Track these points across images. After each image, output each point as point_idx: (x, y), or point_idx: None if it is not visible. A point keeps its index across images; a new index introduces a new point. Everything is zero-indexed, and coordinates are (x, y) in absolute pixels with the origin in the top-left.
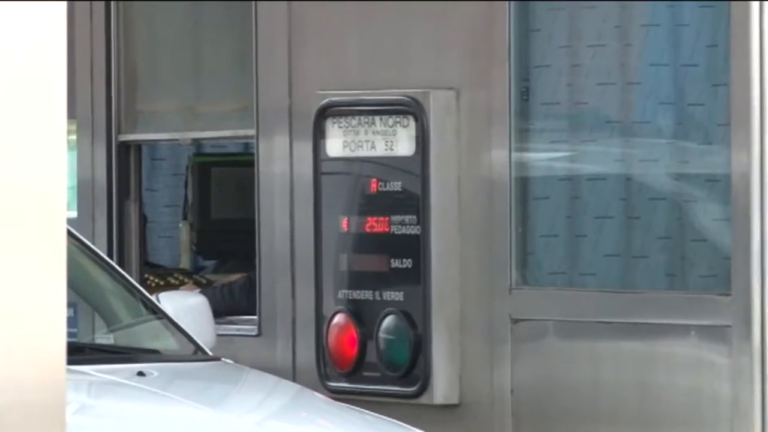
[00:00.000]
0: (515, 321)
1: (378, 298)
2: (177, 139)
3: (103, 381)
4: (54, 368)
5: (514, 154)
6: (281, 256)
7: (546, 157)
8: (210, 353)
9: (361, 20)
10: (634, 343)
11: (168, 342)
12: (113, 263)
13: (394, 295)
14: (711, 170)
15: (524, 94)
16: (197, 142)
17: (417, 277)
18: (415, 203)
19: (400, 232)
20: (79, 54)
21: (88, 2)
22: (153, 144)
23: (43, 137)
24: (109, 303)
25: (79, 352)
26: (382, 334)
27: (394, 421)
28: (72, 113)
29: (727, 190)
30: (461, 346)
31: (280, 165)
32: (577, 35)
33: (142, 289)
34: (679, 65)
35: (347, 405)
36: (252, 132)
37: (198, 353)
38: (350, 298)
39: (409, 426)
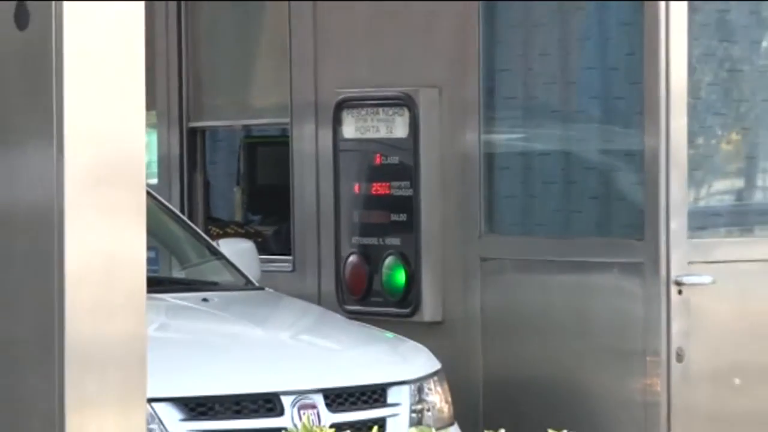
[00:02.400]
0: (483, 260)
1: (381, 242)
2: (231, 125)
3: (177, 305)
4: (136, 295)
5: (482, 136)
6: (309, 212)
7: (506, 138)
8: (256, 284)
9: (368, 36)
10: (572, 276)
11: (225, 276)
12: (185, 218)
13: (393, 241)
14: (629, 147)
15: (490, 91)
16: (246, 128)
17: (410, 227)
18: (409, 172)
19: (397, 194)
20: (158, 58)
21: (165, 22)
22: (214, 129)
23: (126, 125)
24: (182, 247)
25: (159, 284)
26: (384, 270)
27: (395, 334)
28: (153, 105)
29: (641, 162)
30: (443, 279)
31: (309, 144)
32: (530, 46)
33: (206, 237)
34: (606, 68)
35: (359, 323)
36: (287, 120)
37: (247, 284)
38: (361, 243)
39: (404, 338)
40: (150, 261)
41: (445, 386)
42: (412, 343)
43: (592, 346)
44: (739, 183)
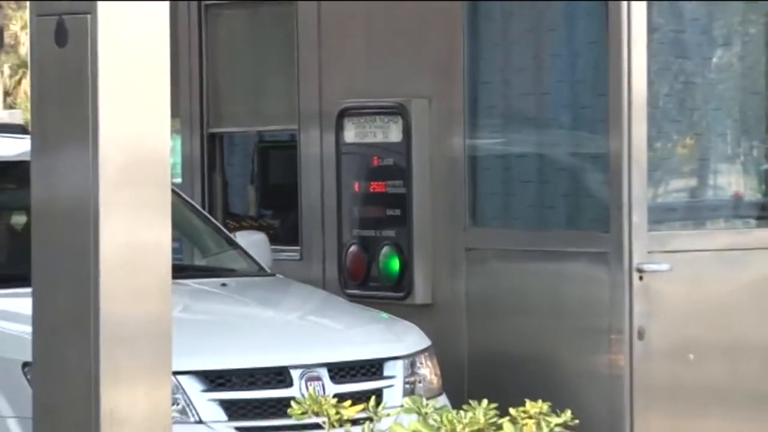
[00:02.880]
0: (468, 249)
1: (378, 234)
2: (246, 131)
3: (199, 289)
4: (162, 280)
5: (467, 141)
6: (315, 208)
7: (488, 143)
8: (269, 271)
9: (366, 53)
10: (546, 264)
11: (241, 264)
12: (205, 213)
13: (389, 233)
14: (596, 151)
15: (474, 101)
16: (260, 133)
17: (404, 221)
18: (402, 173)
19: (392, 192)
20: (182, 72)
21: (188, 40)
22: (231, 134)
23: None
24: (203, 239)
25: (183, 271)
26: (381, 258)
27: (390, 315)
28: (177, 113)
29: (606, 163)
30: (433, 266)
31: (314, 148)
32: (509, 62)
33: (224, 230)
34: (575, 81)
35: (359, 305)
36: (295, 126)
37: (261, 271)
38: (360, 235)
39: (398, 318)
40: (175, 250)
41: (435, 361)
42: (405, 323)
43: (564, 326)
44: (692, 182)
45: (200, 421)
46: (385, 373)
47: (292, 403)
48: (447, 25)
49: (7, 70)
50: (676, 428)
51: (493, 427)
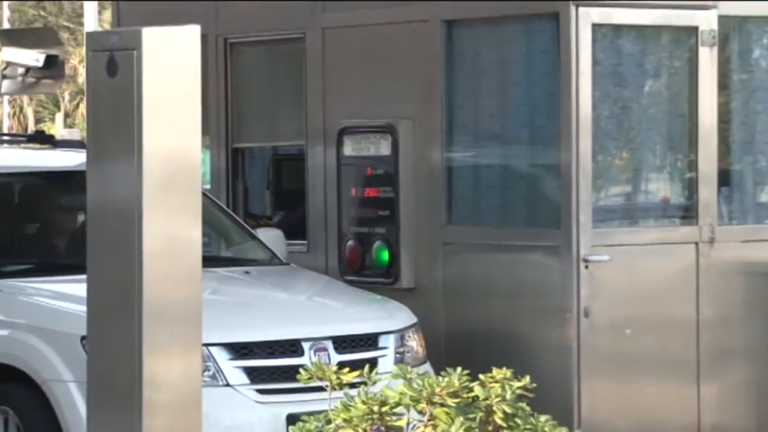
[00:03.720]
0: (445, 243)
1: (371, 231)
2: (263, 146)
3: (226, 275)
4: (194, 268)
5: (444, 154)
6: (319, 209)
7: (461, 156)
8: (284, 261)
9: (362, 82)
10: (509, 255)
11: (261, 255)
12: (231, 212)
13: (380, 230)
14: (550, 162)
15: (450, 122)
16: (274, 148)
17: (392, 220)
18: (391, 180)
19: (383, 196)
20: (211, 98)
21: (216, 72)
22: (251, 149)
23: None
24: (230, 234)
25: (213, 260)
26: (373, 251)
27: (383, 296)
28: (206, 132)
29: (558, 172)
30: (416, 257)
31: (319, 160)
32: (478, 90)
33: (246, 226)
34: (532, 105)
35: (357, 288)
36: (303, 142)
37: (277, 261)
38: (356, 231)
39: (389, 299)
40: (206, 244)
41: (420, 335)
42: (396, 303)
43: (523, 306)
44: (628, 188)
45: (228, 385)
46: (380, 344)
47: (301, 370)
48: (428, 60)
49: (67, 96)
50: (615, 390)
51: (466, 390)
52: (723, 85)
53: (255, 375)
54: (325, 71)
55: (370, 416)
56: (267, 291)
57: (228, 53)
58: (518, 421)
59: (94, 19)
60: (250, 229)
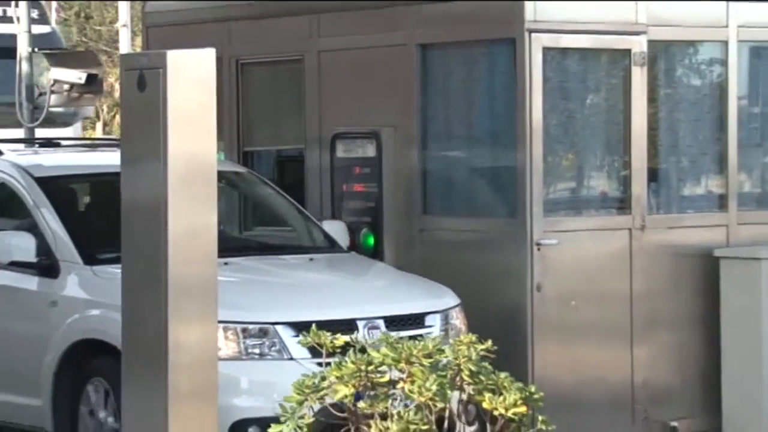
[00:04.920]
0: (421, 230)
1: (360, 220)
2: (269, 149)
3: (293, 262)
4: (210, 250)
5: (420, 156)
6: (316, 202)
7: (434, 157)
8: (345, 249)
9: (352, 95)
10: (475, 240)
11: (325, 243)
12: (301, 207)
13: (367, 219)
14: (508, 163)
15: (425, 129)
16: (278, 151)
17: (377, 211)
18: (376, 178)
19: (369, 191)
20: (225, 108)
21: (228, 85)
22: (258, 152)
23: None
24: (299, 225)
25: (282, 248)
26: (361, 236)
27: (430, 280)
28: (221, 137)
29: (515, 171)
30: (397, 242)
31: (316, 161)
32: (449, 102)
33: (313, 219)
34: (494, 115)
35: (406, 272)
36: (303, 146)
37: (338, 249)
38: (347, 220)
39: (436, 282)
40: (276, 234)
41: (463, 314)
42: (442, 286)
43: (486, 282)
44: (573, 184)
45: (291, 358)
46: (426, 323)
47: (301, 336)
48: (406, 77)
49: (105, 109)
50: (563, 352)
51: (438, 352)
52: (651, 98)
53: (315, 350)
54: (320, 87)
55: (358, 374)
56: (328, 276)
57: (239, 72)
58: (482, 377)
59: (127, 44)
60: (316, 221)
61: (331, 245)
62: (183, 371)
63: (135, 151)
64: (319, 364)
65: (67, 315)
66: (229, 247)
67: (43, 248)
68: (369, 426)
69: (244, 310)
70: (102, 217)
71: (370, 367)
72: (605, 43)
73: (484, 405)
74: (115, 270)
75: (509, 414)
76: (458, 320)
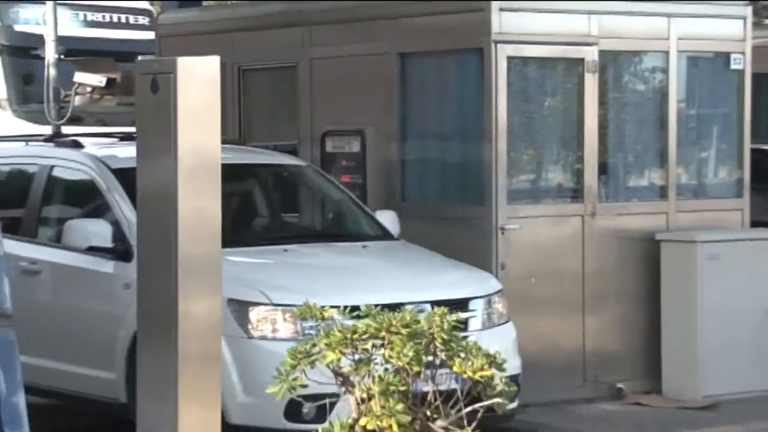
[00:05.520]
0: (400, 216)
1: None
2: (267, 146)
3: (347, 248)
4: (215, 232)
5: (399, 151)
6: None
7: (411, 152)
8: (396, 237)
9: (340, 98)
10: (447, 224)
11: (378, 231)
12: (356, 199)
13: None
14: (477, 157)
15: (403, 127)
16: (275, 147)
17: (361, 199)
18: (361, 170)
19: (355, 181)
20: (228, 109)
21: (231, 89)
22: (258, 146)
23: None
24: (353, 214)
25: (337, 236)
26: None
27: (473, 267)
28: (225, 133)
29: (482, 165)
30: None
31: (308, 155)
32: (424, 104)
33: (366, 208)
34: (464, 115)
35: (452, 260)
36: (296, 142)
37: (390, 237)
38: None
39: (479, 269)
40: (331, 222)
41: (504, 299)
42: (485, 272)
43: (458, 261)
44: (532, 176)
45: None
46: (470, 307)
47: (294, 309)
48: (387, 82)
49: None
50: (525, 323)
51: (414, 322)
52: (602, 101)
53: None
54: (312, 90)
55: (344, 341)
56: (379, 262)
57: (240, 77)
58: (453, 345)
59: None
60: (369, 211)
61: (384, 233)
62: (191, 338)
63: (149, 146)
64: None
65: None
66: (288, 234)
67: (118, 235)
68: (354, 387)
69: (299, 294)
70: None
71: (355, 336)
72: (561, 52)
73: (455, 369)
74: None
75: (476, 376)
76: (500, 304)
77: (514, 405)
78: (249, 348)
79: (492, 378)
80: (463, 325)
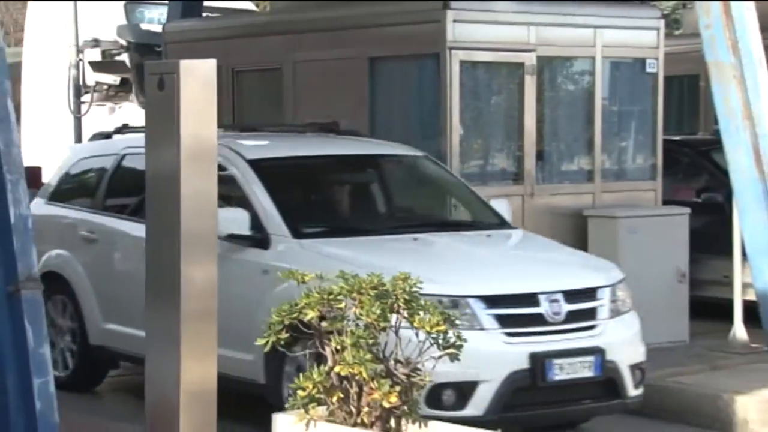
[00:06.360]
0: None
1: None
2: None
3: (473, 238)
4: (210, 210)
5: None
6: None
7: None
8: (512, 226)
9: (318, 96)
10: None
11: (494, 219)
12: (471, 187)
13: None
14: (434, 147)
15: (373, 123)
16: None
17: None
18: None
19: None
20: (223, 102)
21: (226, 88)
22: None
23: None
24: (469, 203)
25: (457, 226)
26: None
27: (596, 257)
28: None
29: (440, 153)
30: None
31: None
32: (389, 102)
33: (482, 198)
34: (424, 112)
35: (578, 250)
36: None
37: (506, 225)
38: None
39: (603, 259)
40: (450, 211)
41: (627, 288)
42: (608, 262)
43: None
44: (481, 162)
45: (482, 329)
46: (598, 296)
47: (279, 273)
48: (359, 82)
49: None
50: None
51: (381, 284)
52: (539, 99)
53: (503, 321)
54: (295, 89)
55: (321, 301)
56: (507, 251)
57: (234, 77)
58: (413, 304)
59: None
60: (484, 200)
61: (501, 222)
62: (191, 299)
63: (156, 135)
64: (508, 334)
65: (277, 283)
66: (413, 224)
67: (255, 223)
68: (329, 340)
69: (438, 284)
70: (306, 195)
71: (330, 296)
72: (505, 57)
73: (415, 324)
74: (320, 243)
75: (433, 331)
76: (623, 293)
77: (639, 392)
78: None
79: (446, 332)
80: (592, 314)
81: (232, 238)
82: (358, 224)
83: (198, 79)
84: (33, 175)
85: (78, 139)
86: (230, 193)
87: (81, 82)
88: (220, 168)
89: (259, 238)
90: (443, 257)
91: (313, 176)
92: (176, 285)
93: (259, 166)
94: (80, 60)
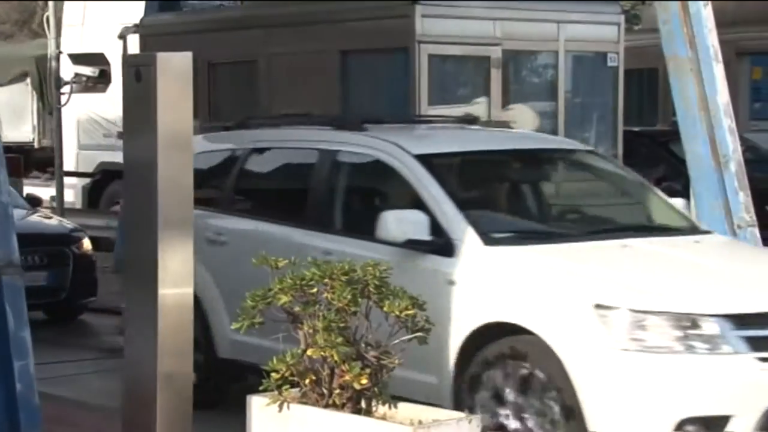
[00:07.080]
0: None
1: None
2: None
3: (681, 243)
4: (186, 194)
5: None
6: None
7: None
8: (707, 230)
9: (291, 89)
10: None
11: (684, 222)
12: (649, 185)
13: None
14: None
15: (345, 111)
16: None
17: None
18: None
19: None
20: (200, 97)
21: (203, 80)
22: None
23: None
24: (650, 204)
25: (648, 230)
26: None
27: None
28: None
29: None
30: None
31: None
32: (360, 92)
33: (664, 197)
34: (395, 101)
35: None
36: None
37: (697, 229)
38: None
39: None
40: (637, 213)
41: None
42: None
43: None
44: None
45: (732, 353)
46: None
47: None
48: (330, 74)
49: None
50: None
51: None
52: (504, 91)
53: (753, 343)
54: (269, 81)
55: (295, 286)
56: (726, 261)
57: (210, 70)
58: (383, 289)
59: (130, 49)
60: (667, 199)
61: (691, 225)
62: (168, 284)
63: (134, 125)
64: (762, 359)
65: (471, 297)
66: (610, 227)
67: (434, 227)
68: (302, 323)
69: (678, 301)
70: (487, 195)
71: (303, 282)
72: (472, 51)
73: (384, 309)
74: (517, 251)
75: (402, 315)
76: None
77: None
78: (615, 360)
79: (415, 315)
80: None
81: (411, 243)
82: (551, 228)
83: (174, 72)
84: (13, 164)
85: (58, 130)
86: (391, 193)
87: (60, 74)
88: (377, 163)
89: (441, 244)
90: (660, 267)
91: (486, 174)
92: (153, 271)
93: (428, 162)
94: (60, 52)
